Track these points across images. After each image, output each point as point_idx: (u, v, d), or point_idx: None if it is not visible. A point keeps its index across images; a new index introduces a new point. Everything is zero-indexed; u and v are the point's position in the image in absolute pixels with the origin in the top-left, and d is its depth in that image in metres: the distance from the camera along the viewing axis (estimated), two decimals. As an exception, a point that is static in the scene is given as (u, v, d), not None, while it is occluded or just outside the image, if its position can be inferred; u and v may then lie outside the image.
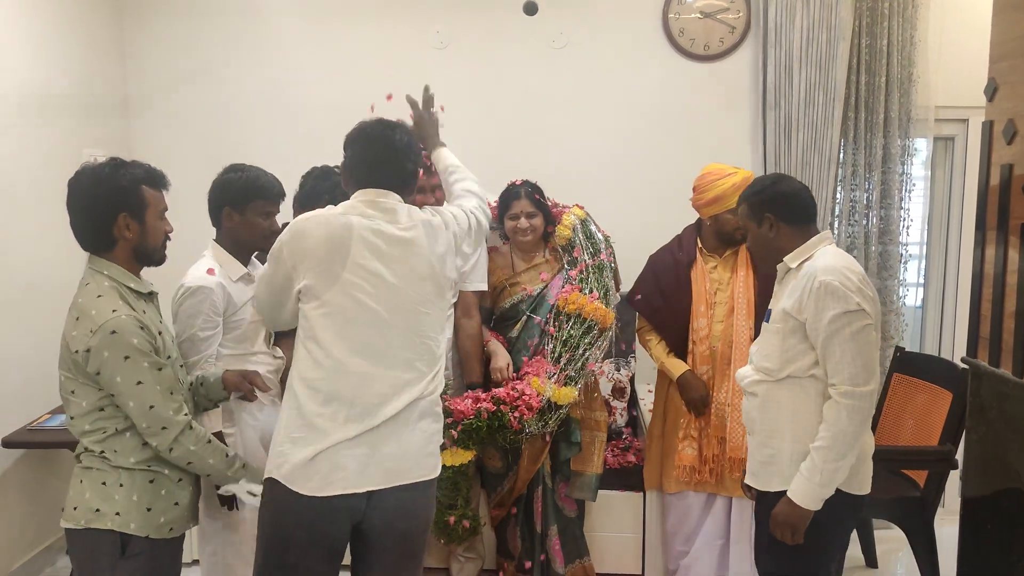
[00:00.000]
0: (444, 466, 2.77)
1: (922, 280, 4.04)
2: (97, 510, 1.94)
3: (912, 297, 4.01)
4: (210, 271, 2.30)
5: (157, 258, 2.06)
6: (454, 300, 2.88)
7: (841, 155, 3.75)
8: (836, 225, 3.80)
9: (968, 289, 2.77)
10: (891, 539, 3.50)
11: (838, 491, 2.09)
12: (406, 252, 2.05)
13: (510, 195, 3.07)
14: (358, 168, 2.11)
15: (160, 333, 2.01)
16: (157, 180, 2.04)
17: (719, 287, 2.98)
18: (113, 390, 1.91)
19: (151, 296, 2.08)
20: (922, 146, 3.85)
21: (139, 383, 1.91)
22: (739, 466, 2.87)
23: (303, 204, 2.56)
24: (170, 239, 2.09)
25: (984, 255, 2.42)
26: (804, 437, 2.11)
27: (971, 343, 2.49)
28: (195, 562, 2.87)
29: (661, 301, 3.04)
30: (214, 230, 2.42)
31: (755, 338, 2.77)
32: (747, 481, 2.31)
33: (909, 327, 3.92)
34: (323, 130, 3.88)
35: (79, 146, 3.64)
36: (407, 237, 2.05)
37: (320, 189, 2.57)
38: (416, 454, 2.04)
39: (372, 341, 1.99)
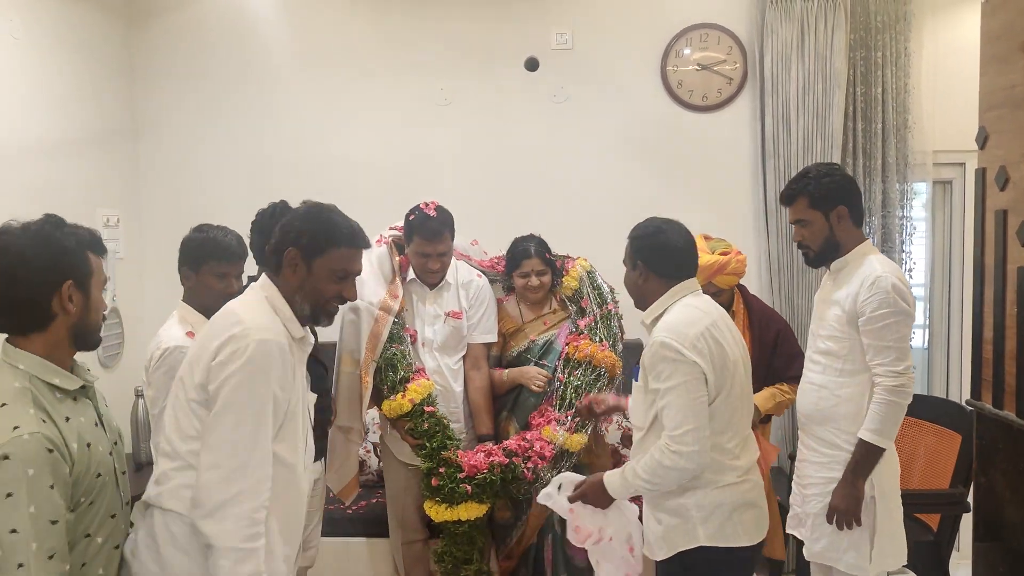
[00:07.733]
0: (459, 520, 2.81)
1: (928, 322, 4.06)
2: None
3: (918, 339, 4.04)
4: (190, 334, 2.22)
5: (96, 339, 1.68)
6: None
7: (841, 200, 3.80)
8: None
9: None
10: (907, 584, 3.47)
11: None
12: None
13: (521, 253, 3.13)
14: None
15: (89, 446, 1.60)
16: (99, 245, 1.68)
17: None
18: None
19: (84, 391, 1.66)
20: (922, 189, 3.91)
21: (13, 531, 1.44)
22: None
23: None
24: (105, 318, 1.76)
25: (983, 299, 2.45)
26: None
27: (975, 386, 2.51)
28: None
29: None
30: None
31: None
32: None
33: (916, 369, 3.92)
34: (330, 184, 3.97)
35: (93, 205, 3.69)
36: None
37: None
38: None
39: None
